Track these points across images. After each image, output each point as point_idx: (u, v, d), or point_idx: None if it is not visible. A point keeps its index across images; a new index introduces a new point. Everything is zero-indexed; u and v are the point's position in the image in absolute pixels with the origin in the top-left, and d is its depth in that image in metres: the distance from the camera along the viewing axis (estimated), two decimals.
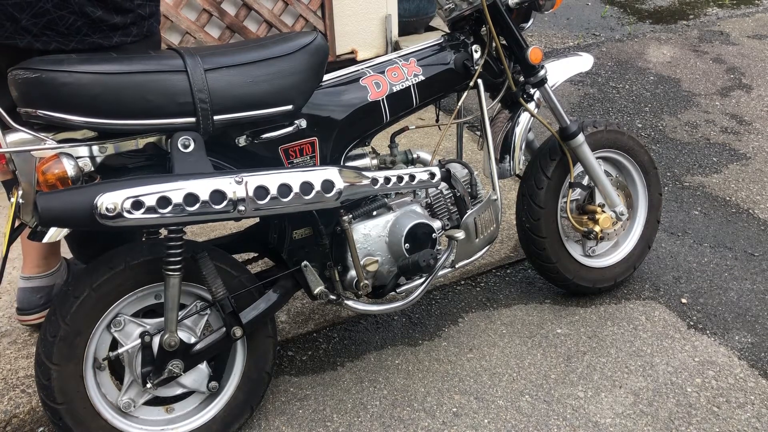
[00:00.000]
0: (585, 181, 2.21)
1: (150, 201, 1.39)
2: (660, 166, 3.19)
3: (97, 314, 1.56)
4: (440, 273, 1.94)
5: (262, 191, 1.49)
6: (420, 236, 1.85)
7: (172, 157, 1.48)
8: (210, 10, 3.36)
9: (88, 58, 1.43)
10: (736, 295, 2.35)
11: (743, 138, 3.46)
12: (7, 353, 2.08)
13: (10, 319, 2.20)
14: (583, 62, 2.21)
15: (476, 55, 1.97)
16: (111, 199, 1.35)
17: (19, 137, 1.39)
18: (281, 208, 1.53)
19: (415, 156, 1.94)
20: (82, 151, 1.43)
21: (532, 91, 2.06)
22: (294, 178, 1.53)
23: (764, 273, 2.46)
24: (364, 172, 1.66)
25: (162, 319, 1.60)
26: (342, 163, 1.81)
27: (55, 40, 1.50)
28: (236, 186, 1.46)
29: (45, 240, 1.45)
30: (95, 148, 1.45)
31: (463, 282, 2.44)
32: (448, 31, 2.05)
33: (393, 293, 1.92)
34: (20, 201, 1.43)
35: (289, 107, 1.60)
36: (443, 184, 1.98)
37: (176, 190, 1.41)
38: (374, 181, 1.68)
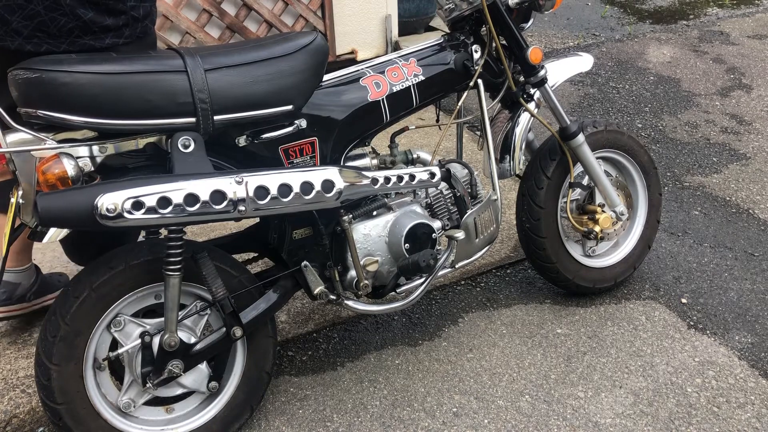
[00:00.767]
0: (585, 181, 2.21)
1: (150, 201, 1.39)
2: (660, 166, 3.19)
3: (97, 314, 1.56)
4: (440, 273, 1.94)
5: (262, 191, 1.49)
6: (420, 236, 1.85)
7: (173, 157, 1.48)
8: (210, 10, 3.36)
9: (88, 58, 1.43)
10: (736, 295, 2.35)
11: (743, 138, 3.46)
12: (7, 353, 2.08)
13: (11, 319, 2.20)
14: (583, 62, 2.22)
15: (476, 55, 1.97)
16: (111, 200, 1.35)
17: (19, 137, 1.39)
18: (281, 208, 1.53)
19: (415, 156, 1.94)
20: (82, 151, 1.43)
21: (532, 91, 2.07)
22: (294, 178, 1.53)
23: (764, 273, 2.45)
24: (364, 172, 1.66)
25: (162, 319, 1.60)
26: (342, 163, 1.81)
27: (46, 42, 1.49)
28: (236, 186, 1.46)
29: (45, 240, 1.44)
30: (95, 148, 1.45)
31: (463, 282, 2.43)
32: (448, 31, 2.05)
33: (393, 293, 1.92)
34: (20, 201, 1.43)
35: (289, 107, 1.60)
36: (443, 184, 1.98)
37: (176, 191, 1.41)
38: (374, 181, 1.68)
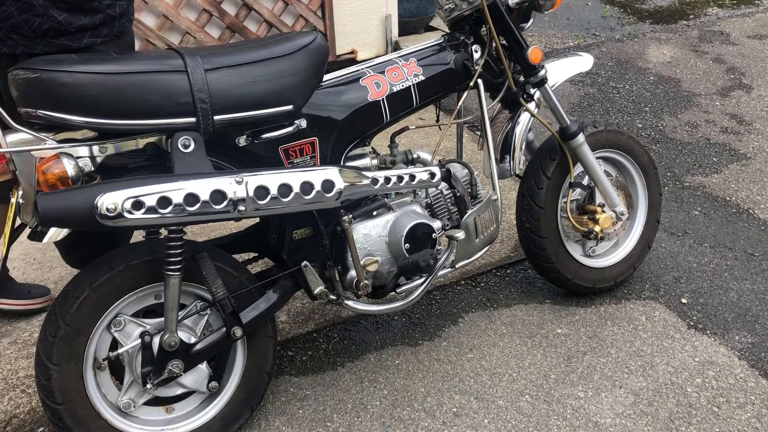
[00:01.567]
0: (585, 181, 2.21)
1: (150, 201, 1.39)
2: (660, 166, 3.19)
3: (97, 314, 1.56)
4: (440, 273, 1.94)
5: (262, 191, 1.49)
6: (420, 236, 1.85)
7: (173, 157, 1.48)
8: (210, 10, 3.36)
9: (88, 58, 1.43)
10: (736, 295, 2.35)
11: (743, 138, 3.46)
12: (7, 353, 2.08)
13: (10, 319, 2.20)
14: (583, 62, 2.22)
15: (476, 55, 1.97)
16: (111, 200, 1.35)
17: (19, 137, 1.39)
18: (281, 208, 1.53)
19: (415, 156, 1.94)
20: (82, 151, 1.43)
21: (532, 91, 2.06)
22: (294, 178, 1.53)
23: (764, 273, 2.45)
24: (364, 172, 1.66)
25: (162, 319, 1.60)
26: (342, 163, 1.81)
27: (21, 44, 1.47)
28: (236, 186, 1.46)
29: (45, 240, 1.44)
30: (95, 148, 1.45)
31: (463, 282, 2.43)
32: (448, 31, 2.05)
33: (393, 293, 1.91)
34: (20, 201, 1.43)
35: (289, 107, 1.60)
36: (443, 184, 1.98)
37: (176, 191, 1.41)
38: (374, 181, 1.68)
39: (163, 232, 1.60)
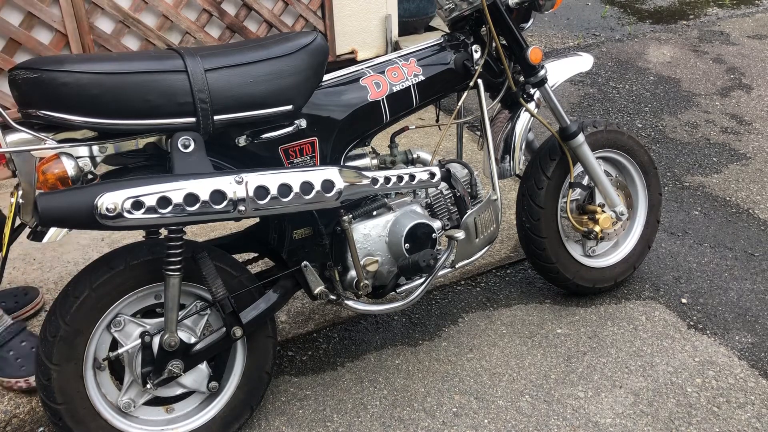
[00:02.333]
0: (585, 181, 2.21)
1: (150, 201, 1.39)
2: (660, 166, 3.19)
3: (97, 314, 1.55)
4: (440, 273, 1.94)
5: (262, 191, 1.49)
6: (420, 236, 1.85)
7: (172, 157, 1.48)
8: (210, 10, 3.36)
9: (89, 58, 1.43)
10: (736, 295, 2.35)
11: (743, 138, 3.46)
12: None
13: None
14: (583, 62, 2.22)
15: (476, 55, 1.97)
16: (111, 199, 1.35)
17: (19, 137, 1.39)
18: (281, 208, 1.53)
19: (415, 156, 1.94)
20: (82, 151, 1.43)
21: (532, 91, 2.06)
22: (294, 178, 1.53)
23: (764, 273, 2.45)
24: (364, 172, 1.66)
25: (162, 319, 1.60)
26: (342, 163, 1.81)
27: None
28: (236, 186, 1.46)
29: (45, 240, 1.44)
30: (95, 148, 1.45)
31: (463, 282, 2.43)
32: (448, 31, 2.05)
33: (393, 293, 1.91)
34: (20, 201, 1.43)
35: (289, 107, 1.60)
36: (443, 184, 1.98)
37: (176, 190, 1.41)
38: (374, 180, 1.68)
39: (163, 232, 1.60)
